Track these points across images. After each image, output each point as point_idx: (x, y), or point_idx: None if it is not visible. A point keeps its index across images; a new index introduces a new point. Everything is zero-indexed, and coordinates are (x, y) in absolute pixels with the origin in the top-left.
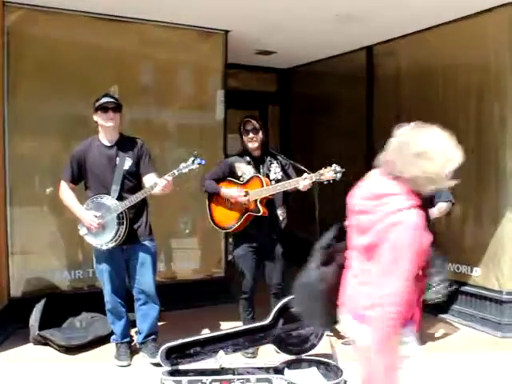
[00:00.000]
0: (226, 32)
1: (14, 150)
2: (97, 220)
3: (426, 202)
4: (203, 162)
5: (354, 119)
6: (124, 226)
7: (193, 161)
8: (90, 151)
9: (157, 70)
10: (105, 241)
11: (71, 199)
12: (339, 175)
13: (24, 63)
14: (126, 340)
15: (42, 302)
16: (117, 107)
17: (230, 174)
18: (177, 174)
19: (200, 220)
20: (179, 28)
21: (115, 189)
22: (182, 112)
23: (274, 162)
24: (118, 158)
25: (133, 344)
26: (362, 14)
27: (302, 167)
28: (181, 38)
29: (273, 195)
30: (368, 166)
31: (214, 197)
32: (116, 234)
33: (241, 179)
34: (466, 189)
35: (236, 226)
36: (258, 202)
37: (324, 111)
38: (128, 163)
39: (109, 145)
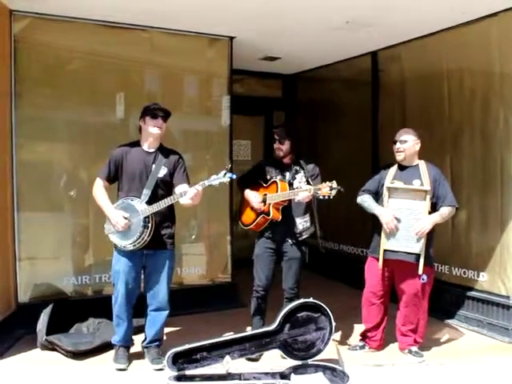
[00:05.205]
0: (231, 38)
1: (22, 156)
2: (124, 220)
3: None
4: (234, 176)
5: (359, 124)
6: (148, 230)
7: (224, 174)
8: (129, 153)
9: (163, 76)
10: (128, 242)
11: (102, 197)
12: (334, 192)
13: (31, 70)
14: (126, 344)
15: (50, 307)
16: (165, 116)
17: (262, 176)
18: (207, 184)
19: (206, 225)
20: (185, 35)
21: (146, 193)
22: (188, 118)
23: (301, 171)
24: (154, 165)
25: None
26: (367, 19)
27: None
28: (186, 44)
29: (284, 201)
30: (374, 170)
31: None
32: (140, 236)
33: (267, 182)
34: (471, 194)
35: (252, 225)
36: (271, 206)
37: (329, 116)
38: (163, 172)
39: (148, 151)
